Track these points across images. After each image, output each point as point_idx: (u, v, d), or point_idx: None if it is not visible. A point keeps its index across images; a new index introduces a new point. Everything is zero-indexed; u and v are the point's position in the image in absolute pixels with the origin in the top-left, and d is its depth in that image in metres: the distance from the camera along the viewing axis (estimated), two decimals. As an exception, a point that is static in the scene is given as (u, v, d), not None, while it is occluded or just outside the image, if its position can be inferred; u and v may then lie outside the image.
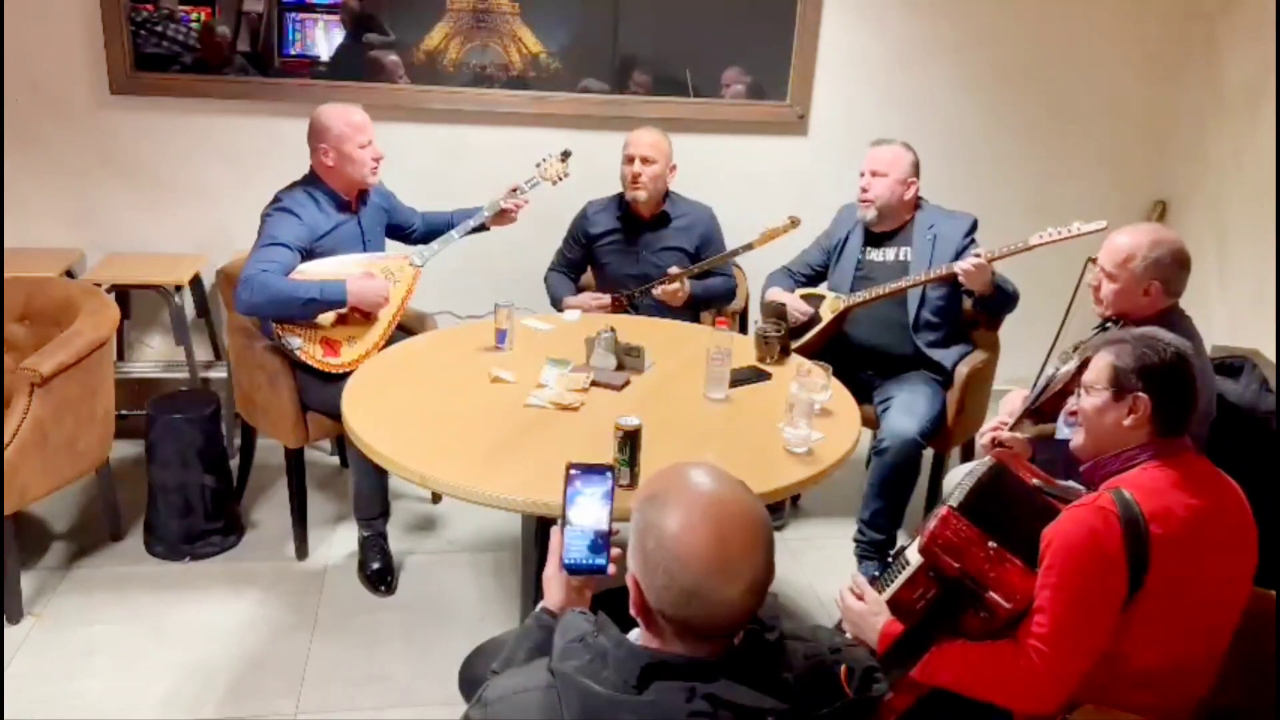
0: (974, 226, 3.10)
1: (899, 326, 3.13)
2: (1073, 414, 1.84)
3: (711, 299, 3.41)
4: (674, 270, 3.27)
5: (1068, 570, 1.61)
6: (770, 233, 3.14)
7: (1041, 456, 2.25)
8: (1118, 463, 1.75)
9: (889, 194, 3.08)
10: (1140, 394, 1.71)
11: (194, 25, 3.50)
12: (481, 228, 3.19)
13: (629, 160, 3.30)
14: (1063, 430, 2.43)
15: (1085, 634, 1.61)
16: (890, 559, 1.90)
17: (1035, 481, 1.86)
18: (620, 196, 3.40)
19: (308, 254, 2.87)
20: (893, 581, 1.83)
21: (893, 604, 1.81)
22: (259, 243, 2.84)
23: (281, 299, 2.76)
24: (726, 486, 1.20)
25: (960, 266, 2.90)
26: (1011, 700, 1.66)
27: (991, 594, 1.68)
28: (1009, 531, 1.73)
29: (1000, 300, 3.02)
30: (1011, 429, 2.36)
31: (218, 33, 3.52)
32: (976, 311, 3.17)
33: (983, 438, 2.38)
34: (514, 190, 3.16)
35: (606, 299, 3.35)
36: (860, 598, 1.84)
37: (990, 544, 1.71)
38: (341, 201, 2.98)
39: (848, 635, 1.90)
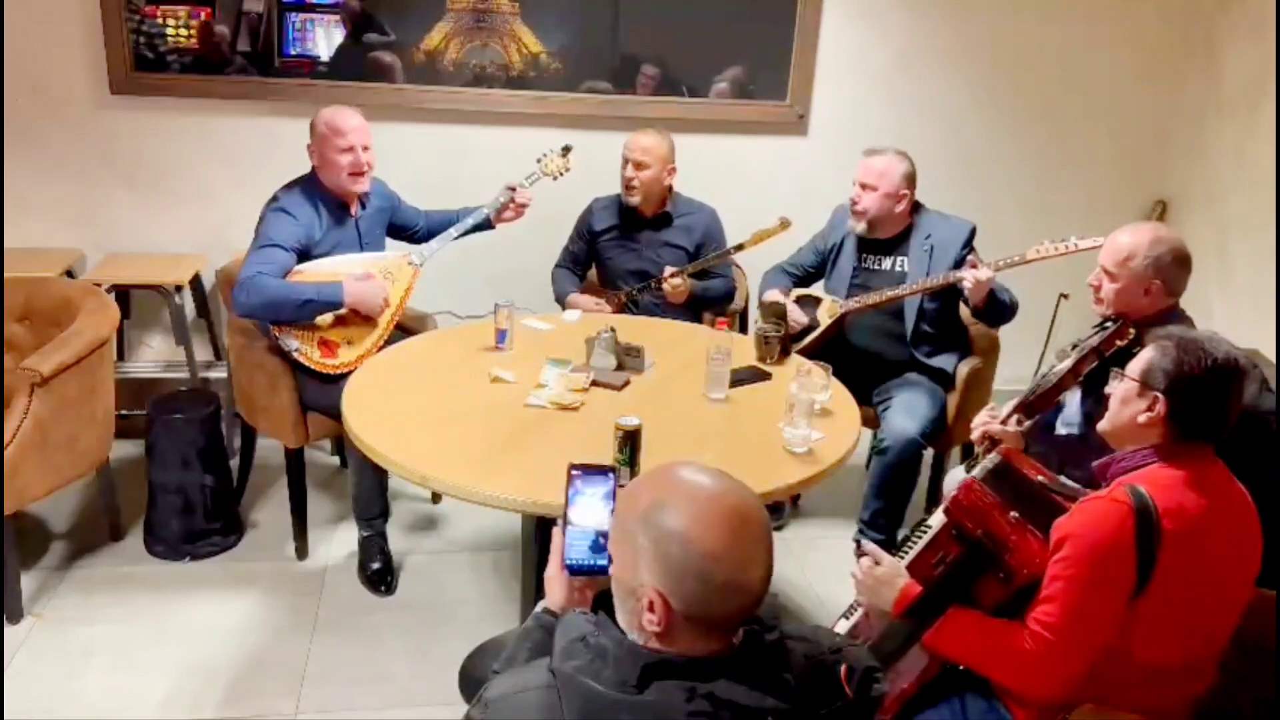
0: (972, 234, 3.08)
1: (896, 337, 3.13)
2: (1106, 394, 1.86)
3: (711, 299, 3.42)
4: (670, 269, 3.28)
5: (1081, 561, 1.62)
6: (761, 234, 3.15)
7: (1034, 450, 2.25)
8: (1130, 461, 1.75)
9: (879, 208, 3.07)
10: (1160, 395, 1.71)
11: (180, 30, 3.50)
12: (486, 225, 3.19)
13: (624, 164, 3.31)
14: (1059, 429, 2.43)
15: (1092, 625, 1.62)
16: (912, 530, 1.97)
17: (1040, 479, 1.88)
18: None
19: (304, 255, 2.87)
20: (912, 549, 1.88)
21: (912, 567, 1.85)
22: (255, 244, 2.84)
23: (278, 301, 2.75)
24: (719, 478, 1.21)
25: (964, 275, 2.88)
26: (1014, 681, 1.68)
27: (1011, 556, 1.72)
28: (1029, 507, 1.78)
29: (998, 311, 3.00)
30: (1003, 423, 2.36)
31: (217, 33, 3.53)
32: (975, 319, 3.17)
33: (975, 431, 2.37)
34: (514, 188, 3.17)
35: (608, 308, 3.36)
36: (878, 563, 1.87)
37: (1012, 513, 1.75)
38: (338, 202, 2.98)
39: (854, 619, 1.92)
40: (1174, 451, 1.72)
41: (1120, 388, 1.80)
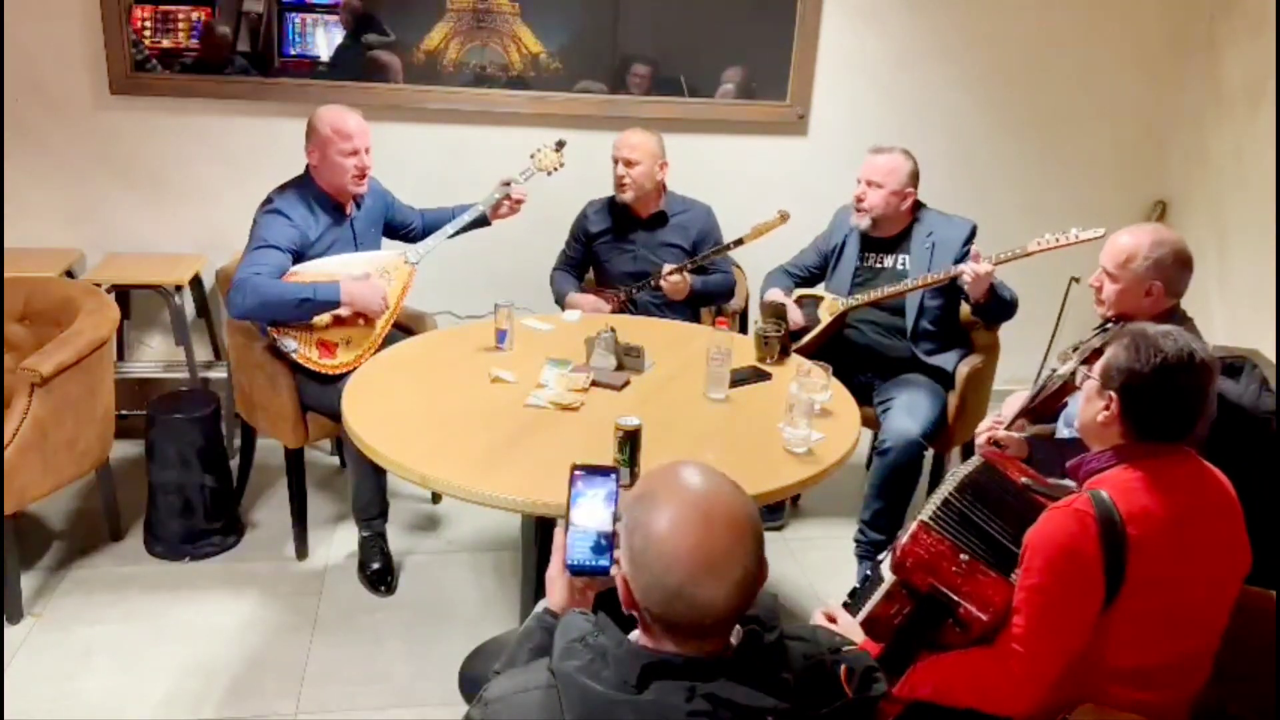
0: (973, 233, 3.09)
1: (898, 334, 3.14)
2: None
3: (711, 295, 3.42)
4: (669, 265, 3.28)
5: (1043, 572, 1.60)
6: (760, 227, 3.14)
7: (1039, 456, 2.25)
8: (1098, 461, 1.74)
9: (884, 205, 3.07)
10: (1113, 394, 1.70)
11: (182, 28, 3.51)
12: (483, 221, 3.19)
13: (615, 163, 3.31)
14: (1062, 430, 2.43)
15: (1060, 636, 1.61)
16: (867, 575, 1.90)
17: (1024, 480, 1.85)
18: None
19: (300, 256, 2.87)
20: (868, 599, 1.80)
21: (870, 621, 1.78)
22: (250, 245, 2.84)
23: (275, 301, 2.75)
24: (714, 485, 1.19)
25: (964, 269, 2.89)
26: (988, 703, 1.65)
27: (965, 607, 1.68)
28: (991, 536, 1.73)
29: (999, 307, 3.01)
30: (1008, 428, 2.36)
31: (218, 33, 3.52)
32: (975, 316, 3.17)
33: (979, 437, 2.37)
34: (507, 183, 3.17)
35: (607, 308, 3.36)
36: (833, 620, 1.82)
37: (962, 556, 1.69)
38: (333, 203, 2.98)
39: None
40: (1136, 452, 1.69)
41: (1086, 386, 1.79)
